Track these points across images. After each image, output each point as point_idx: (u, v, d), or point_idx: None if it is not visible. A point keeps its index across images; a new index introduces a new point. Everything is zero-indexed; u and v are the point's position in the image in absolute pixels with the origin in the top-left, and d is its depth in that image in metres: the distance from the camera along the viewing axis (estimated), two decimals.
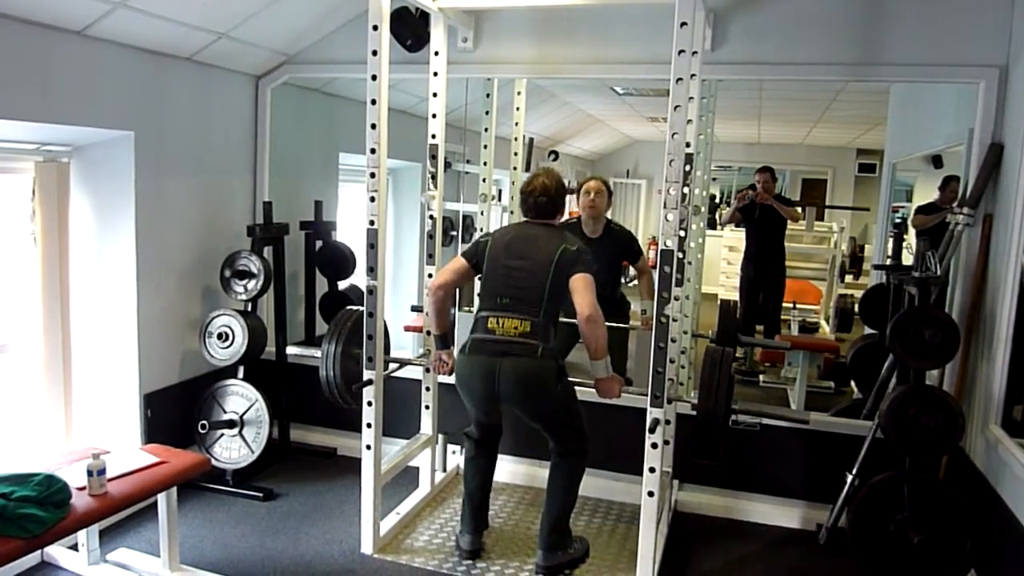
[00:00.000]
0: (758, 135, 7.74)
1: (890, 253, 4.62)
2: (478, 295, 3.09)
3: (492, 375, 2.91)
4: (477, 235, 3.99)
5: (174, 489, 2.86)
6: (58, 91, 2.94)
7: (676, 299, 2.79)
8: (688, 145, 2.88)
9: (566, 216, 3.34)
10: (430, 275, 3.60)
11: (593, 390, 3.03)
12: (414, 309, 4.43)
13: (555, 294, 2.91)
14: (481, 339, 2.95)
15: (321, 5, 3.78)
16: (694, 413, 2.84)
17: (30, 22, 2.77)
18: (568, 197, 3.18)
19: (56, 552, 2.97)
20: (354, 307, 3.41)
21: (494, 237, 3.06)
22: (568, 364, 3.42)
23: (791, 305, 6.02)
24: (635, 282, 4.43)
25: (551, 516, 3.06)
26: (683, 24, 2.53)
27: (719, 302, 3.22)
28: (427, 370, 3.68)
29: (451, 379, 3.11)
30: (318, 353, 3.30)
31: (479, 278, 3.10)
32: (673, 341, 2.80)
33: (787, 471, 3.62)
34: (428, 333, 3.41)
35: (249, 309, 3.85)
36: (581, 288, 2.85)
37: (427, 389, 3.71)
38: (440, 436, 3.81)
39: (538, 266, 2.90)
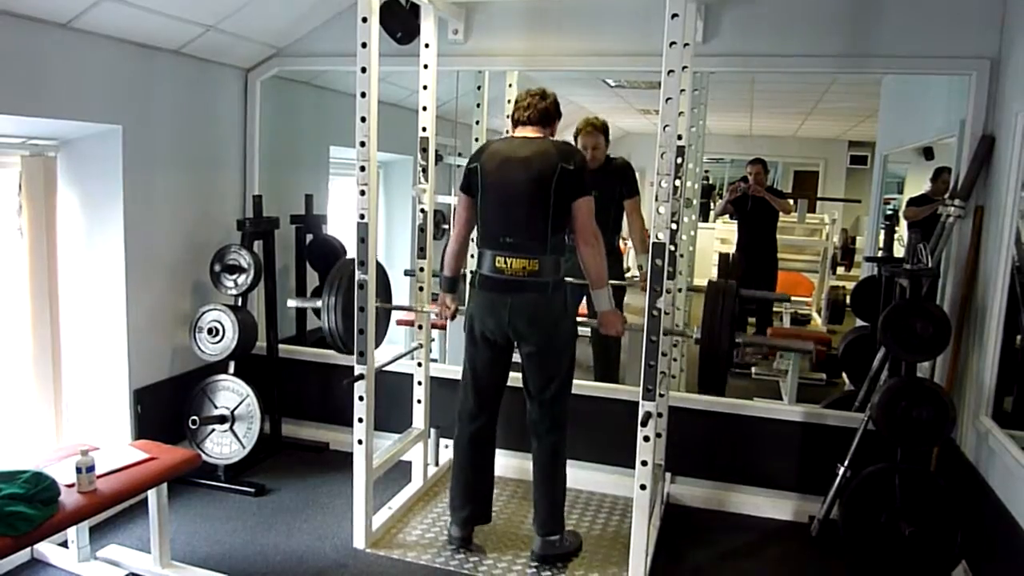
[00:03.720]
0: (750, 127, 7.75)
1: (882, 245, 4.62)
2: (478, 228, 3.00)
3: (504, 309, 2.90)
4: None
5: (164, 485, 2.84)
6: (44, 84, 2.91)
7: (668, 292, 2.78)
8: (680, 137, 2.87)
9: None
10: (421, 268, 3.59)
11: (588, 380, 3.01)
12: (407, 273, 4.39)
13: (559, 223, 2.85)
14: (491, 277, 2.92)
15: None
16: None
17: (15, 15, 2.73)
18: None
19: (46, 549, 2.95)
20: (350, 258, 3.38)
21: (483, 162, 2.91)
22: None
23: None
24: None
25: (548, 499, 3.04)
26: (674, 16, 2.51)
27: (719, 254, 3.21)
28: (419, 364, 3.68)
29: (443, 369, 3.08)
30: (310, 348, 3.29)
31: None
32: (666, 314, 2.79)
33: (779, 463, 3.63)
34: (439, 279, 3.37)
35: (239, 304, 3.82)
36: (582, 214, 2.84)
37: (419, 383, 3.71)
38: (432, 430, 3.81)
39: (535, 197, 2.81)
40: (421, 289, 3.61)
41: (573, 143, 3.97)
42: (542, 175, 2.80)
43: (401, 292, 5.01)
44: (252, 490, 3.64)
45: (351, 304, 3.13)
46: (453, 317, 3.21)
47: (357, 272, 3.03)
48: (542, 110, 2.94)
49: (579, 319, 3.15)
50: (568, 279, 3.02)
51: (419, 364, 3.68)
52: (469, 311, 3.04)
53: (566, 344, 3.02)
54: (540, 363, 2.98)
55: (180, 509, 3.42)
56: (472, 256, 3.61)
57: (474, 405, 3.12)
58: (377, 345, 3.23)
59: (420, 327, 3.68)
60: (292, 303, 4.01)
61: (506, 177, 2.86)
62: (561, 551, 3.11)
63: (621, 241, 4.20)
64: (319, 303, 3.37)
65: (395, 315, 3.73)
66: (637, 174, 4.19)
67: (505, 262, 2.89)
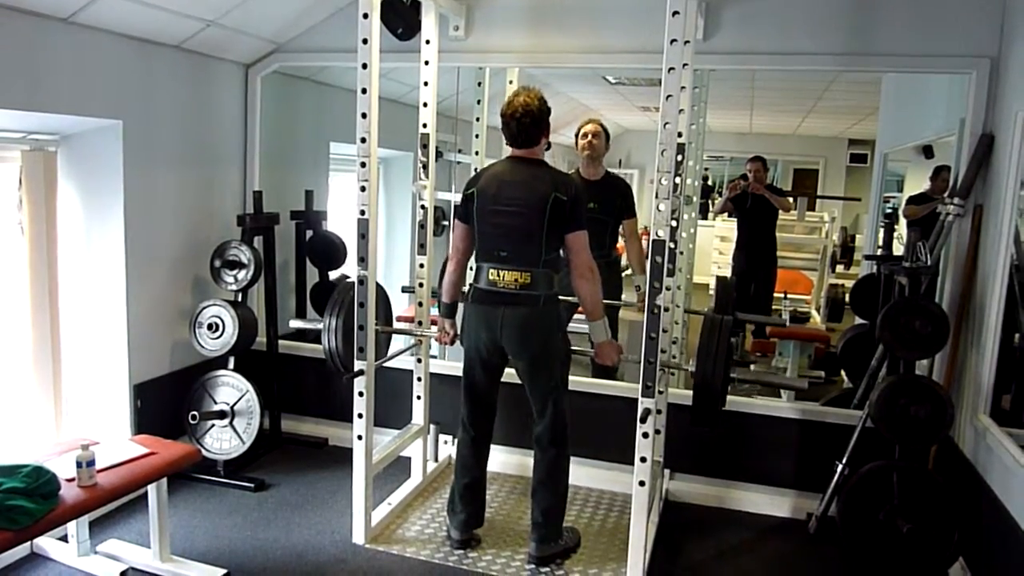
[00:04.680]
0: (750, 125, 7.75)
1: (881, 243, 4.62)
2: (476, 245, 3.02)
3: (495, 322, 2.90)
4: None
5: (164, 480, 2.85)
6: (45, 79, 2.91)
7: (667, 289, 2.78)
8: (680, 135, 2.87)
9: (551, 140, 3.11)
10: (421, 265, 3.60)
11: (587, 377, 3.01)
12: (404, 290, 4.40)
13: (552, 243, 2.86)
14: (484, 289, 2.93)
15: None
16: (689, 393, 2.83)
17: (15, 9, 2.73)
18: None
19: (46, 543, 2.96)
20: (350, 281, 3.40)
21: (479, 187, 2.93)
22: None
23: (782, 295, 6.03)
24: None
25: (543, 508, 3.05)
26: (675, 13, 2.52)
27: (715, 278, 3.21)
28: (419, 360, 3.68)
29: (443, 365, 3.08)
30: (309, 344, 3.28)
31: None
32: (666, 310, 2.80)
33: (777, 461, 3.63)
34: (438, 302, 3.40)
35: (239, 299, 3.83)
36: (577, 247, 2.85)
37: (419, 379, 3.71)
38: (432, 426, 3.81)
39: (530, 219, 2.82)
40: (420, 304, 3.61)
41: (574, 142, 3.99)
42: (536, 202, 2.81)
43: (401, 297, 5.03)
44: (251, 485, 3.65)
45: (352, 327, 3.14)
46: (452, 342, 3.22)
47: (357, 268, 3.03)
48: (524, 132, 2.89)
49: (575, 348, 3.14)
50: (565, 297, 3.01)
51: (419, 360, 3.68)
52: (465, 324, 3.05)
53: (556, 357, 3.01)
54: (534, 377, 3.00)
55: (180, 504, 3.43)
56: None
57: (473, 413, 3.15)
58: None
59: (420, 323, 3.69)
60: (294, 324, 4.04)
61: (500, 201, 2.87)
62: (559, 549, 3.12)
63: (621, 239, 4.20)
64: (320, 324, 3.37)
65: (395, 312, 3.73)
66: (636, 172, 4.19)
67: (498, 274, 2.89)
